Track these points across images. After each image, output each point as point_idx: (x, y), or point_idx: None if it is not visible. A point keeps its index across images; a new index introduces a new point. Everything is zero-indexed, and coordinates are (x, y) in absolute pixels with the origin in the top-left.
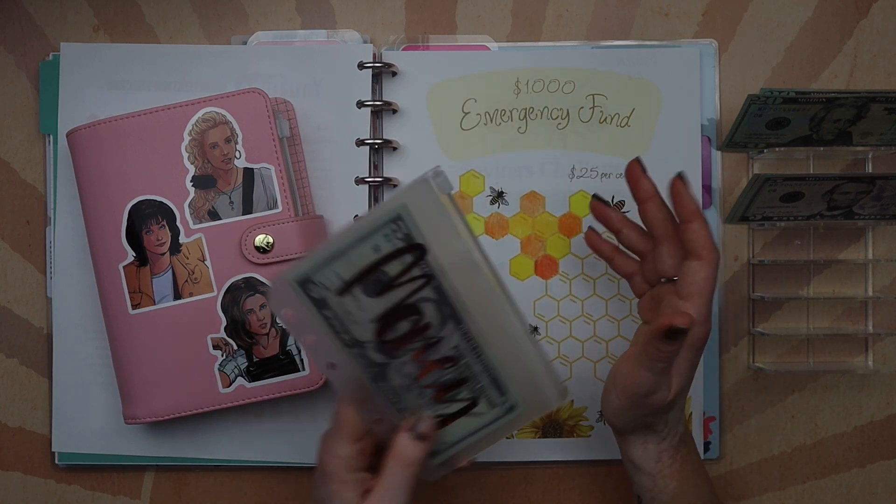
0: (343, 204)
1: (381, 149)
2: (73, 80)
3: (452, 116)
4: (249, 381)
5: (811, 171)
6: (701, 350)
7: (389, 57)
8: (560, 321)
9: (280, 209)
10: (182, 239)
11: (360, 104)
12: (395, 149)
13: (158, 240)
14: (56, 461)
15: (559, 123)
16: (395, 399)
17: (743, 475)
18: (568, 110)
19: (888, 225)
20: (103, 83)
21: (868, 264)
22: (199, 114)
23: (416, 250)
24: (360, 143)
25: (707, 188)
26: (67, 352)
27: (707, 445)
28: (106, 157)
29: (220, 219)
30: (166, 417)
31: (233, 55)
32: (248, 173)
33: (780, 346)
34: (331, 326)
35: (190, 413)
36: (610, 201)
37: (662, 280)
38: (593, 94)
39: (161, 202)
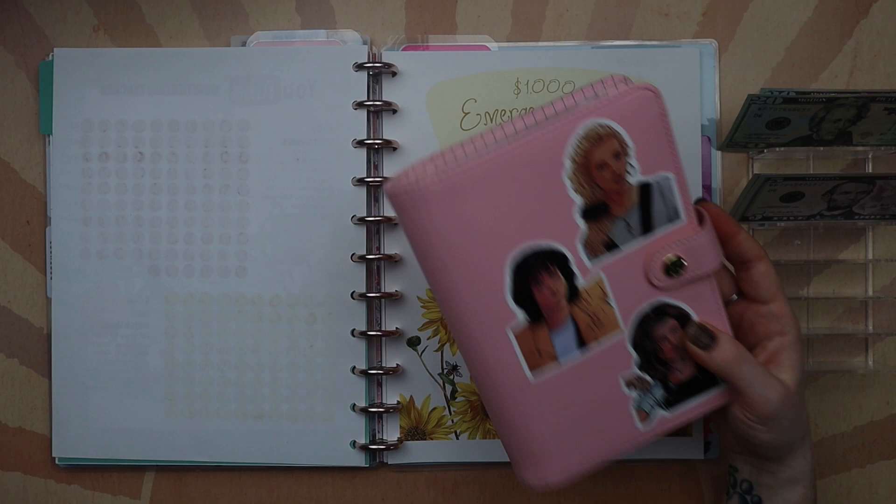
0: (343, 204)
1: (380, 149)
2: (67, 85)
3: (452, 116)
4: (668, 409)
5: (811, 171)
6: (800, 349)
7: (389, 57)
8: None
9: (684, 220)
10: (579, 283)
11: (359, 105)
12: (394, 149)
13: (552, 291)
14: (56, 461)
15: None
16: None
17: None
18: None
19: (888, 225)
20: (97, 88)
21: (868, 264)
22: (579, 130)
23: None
24: (360, 143)
25: (707, 188)
26: (67, 352)
27: (707, 445)
28: (467, 209)
29: (619, 249)
30: (582, 471)
31: (228, 57)
32: (645, 189)
33: None
34: None
35: (608, 460)
36: None
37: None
38: None
39: (548, 247)
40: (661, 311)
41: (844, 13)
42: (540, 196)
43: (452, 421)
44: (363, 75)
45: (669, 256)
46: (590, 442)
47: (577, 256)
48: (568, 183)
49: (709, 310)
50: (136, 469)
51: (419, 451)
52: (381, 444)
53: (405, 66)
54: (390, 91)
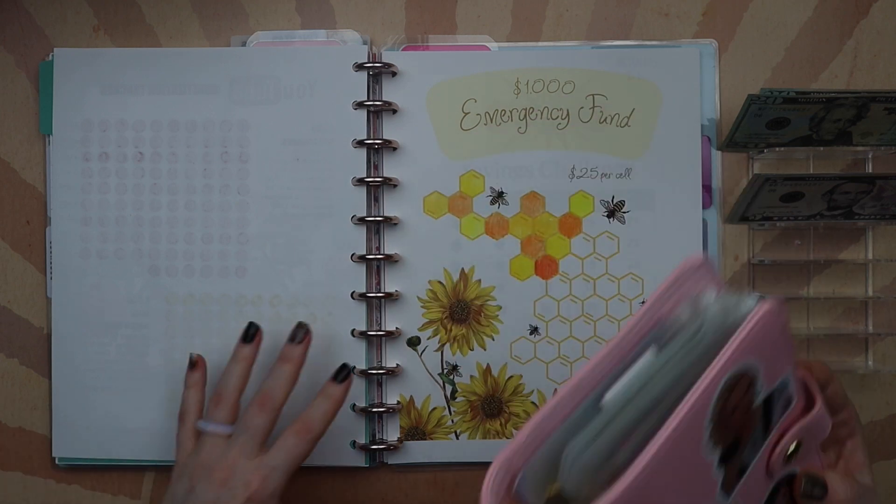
0: (342, 204)
1: (381, 149)
2: (67, 85)
3: (452, 116)
4: None
5: (811, 171)
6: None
7: (389, 57)
8: (560, 321)
9: (795, 400)
10: None
11: (359, 105)
12: (395, 149)
13: None
14: (56, 461)
15: (559, 123)
16: None
17: None
18: (568, 110)
19: (888, 225)
20: (97, 88)
21: (868, 264)
22: (721, 384)
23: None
24: (360, 143)
25: (707, 188)
26: (67, 352)
27: None
28: None
29: (749, 467)
30: None
31: (227, 57)
32: (768, 401)
33: None
34: None
35: None
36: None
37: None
38: (593, 94)
39: None
40: (774, 490)
41: (844, 13)
42: (682, 477)
43: (452, 421)
44: (363, 75)
45: (791, 447)
46: None
47: None
48: (706, 445)
49: (808, 453)
50: (136, 469)
51: (419, 451)
52: (381, 444)
53: (405, 66)
54: (390, 91)
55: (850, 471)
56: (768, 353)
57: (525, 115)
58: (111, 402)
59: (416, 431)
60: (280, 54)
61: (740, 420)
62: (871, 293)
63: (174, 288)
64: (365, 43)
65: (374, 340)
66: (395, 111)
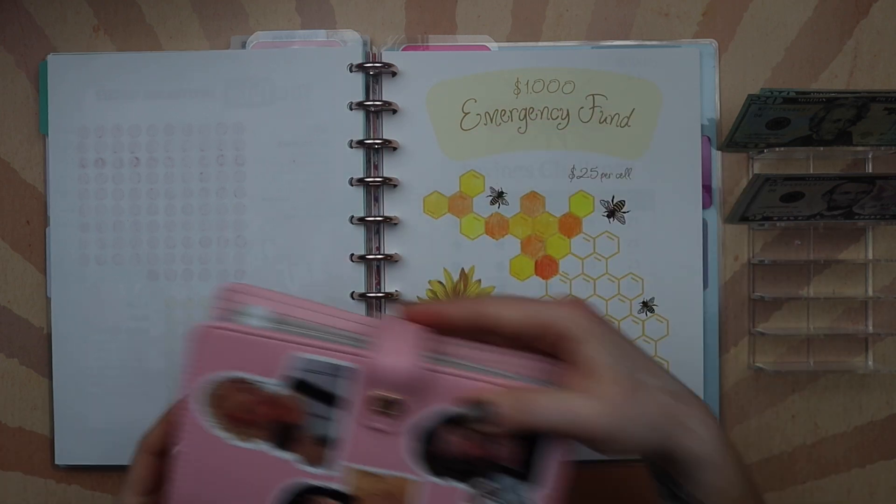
0: (341, 205)
1: (380, 149)
2: (62, 90)
3: (452, 116)
4: (528, 483)
5: (811, 171)
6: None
7: (389, 57)
8: None
9: (354, 367)
10: (345, 489)
11: (358, 105)
12: (394, 149)
13: None
14: (56, 461)
15: (559, 123)
16: None
17: None
18: (568, 110)
19: (888, 225)
20: (92, 92)
21: (868, 264)
22: (206, 394)
23: None
24: (359, 143)
25: (707, 188)
26: (67, 352)
27: None
28: None
29: (328, 437)
30: None
31: (225, 59)
32: (302, 385)
33: (781, 346)
34: None
35: None
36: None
37: None
38: (593, 94)
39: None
40: (433, 435)
41: (844, 13)
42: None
43: None
44: (358, 76)
45: (382, 398)
46: None
47: (314, 476)
48: (231, 438)
49: (458, 386)
50: None
51: None
52: None
53: (405, 66)
54: (390, 91)
55: (588, 377)
56: (237, 361)
57: (525, 115)
58: (112, 404)
59: None
60: (275, 56)
61: (270, 412)
62: (871, 293)
63: (173, 292)
64: (365, 43)
65: None
66: (395, 111)
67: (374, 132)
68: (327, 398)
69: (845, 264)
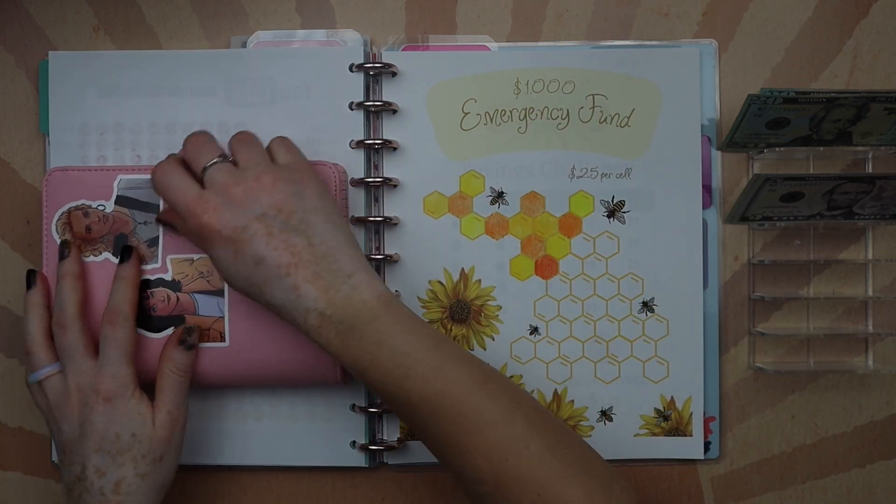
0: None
1: (380, 149)
2: (63, 89)
3: (452, 116)
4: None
5: (811, 171)
6: None
7: (389, 57)
8: (560, 321)
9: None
10: None
11: (358, 105)
12: (395, 149)
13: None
14: (56, 461)
15: (559, 123)
16: None
17: (743, 475)
18: (568, 110)
19: (888, 225)
20: (94, 90)
21: (868, 264)
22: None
23: None
24: (360, 143)
25: (707, 188)
26: None
27: (707, 445)
28: None
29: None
30: None
31: (225, 59)
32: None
33: (780, 346)
34: None
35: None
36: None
37: None
38: (593, 94)
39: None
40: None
41: (844, 13)
42: None
43: None
44: (359, 76)
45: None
46: None
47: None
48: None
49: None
50: None
51: (419, 452)
52: (381, 444)
53: (405, 66)
54: (390, 91)
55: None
56: (79, 192)
57: (525, 115)
58: None
59: None
60: (276, 56)
61: (107, 227)
62: (871, 293)
63: None
64: (365, 43)
65: None
66: (394, 111)
67: (374, 132)
68: (147, 207)
69: (845, 264)
